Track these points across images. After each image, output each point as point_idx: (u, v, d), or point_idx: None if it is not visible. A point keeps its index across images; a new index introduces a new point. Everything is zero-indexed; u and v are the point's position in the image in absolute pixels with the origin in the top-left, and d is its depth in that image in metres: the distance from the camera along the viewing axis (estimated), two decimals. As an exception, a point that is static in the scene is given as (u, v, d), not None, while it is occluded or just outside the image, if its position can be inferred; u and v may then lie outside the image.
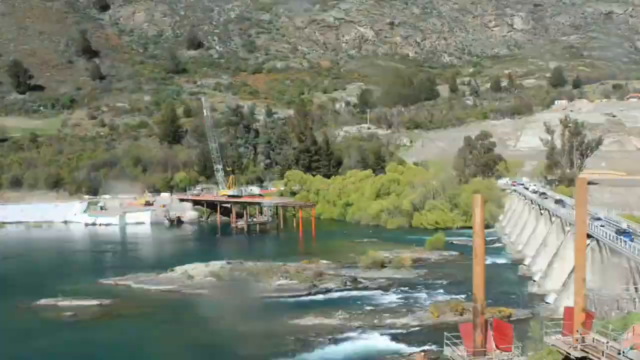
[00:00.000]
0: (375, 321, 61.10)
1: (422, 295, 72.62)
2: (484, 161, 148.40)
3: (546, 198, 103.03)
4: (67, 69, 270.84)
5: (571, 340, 27.81)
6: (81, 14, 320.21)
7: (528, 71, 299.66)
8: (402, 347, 54.29)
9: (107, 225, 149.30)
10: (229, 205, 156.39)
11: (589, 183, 34.88)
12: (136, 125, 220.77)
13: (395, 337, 56.70)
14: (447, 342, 30.53)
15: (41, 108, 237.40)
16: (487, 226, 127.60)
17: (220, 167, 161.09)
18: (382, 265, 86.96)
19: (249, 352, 54.96)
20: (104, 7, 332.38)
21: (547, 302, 64.72)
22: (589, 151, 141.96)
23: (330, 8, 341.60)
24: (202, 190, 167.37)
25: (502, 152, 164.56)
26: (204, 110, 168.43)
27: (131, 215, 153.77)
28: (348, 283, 79.20)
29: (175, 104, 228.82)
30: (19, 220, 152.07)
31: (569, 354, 27.18)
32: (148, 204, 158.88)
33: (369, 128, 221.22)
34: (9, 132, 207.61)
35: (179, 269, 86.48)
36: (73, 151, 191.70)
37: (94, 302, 73.27)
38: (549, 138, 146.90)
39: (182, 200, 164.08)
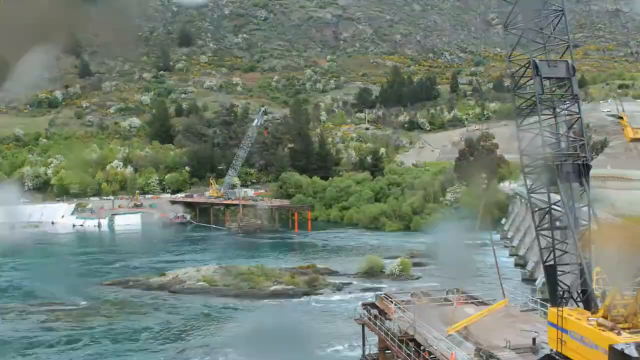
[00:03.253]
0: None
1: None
2: (486, 163, 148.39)
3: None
4: (54, 66, 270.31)
5: None
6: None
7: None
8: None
9: (96, 227, 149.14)
10: (222, 208, 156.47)
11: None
12: (126, 124, 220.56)
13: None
14: None
15: (27, 106, 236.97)
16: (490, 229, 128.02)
17: (234, 173, 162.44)
18: (380, 270, 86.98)
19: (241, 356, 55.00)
20: (93, 2, 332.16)
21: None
22: (594, 153, 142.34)
23: (328, 5, 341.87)
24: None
25: (505, 154, 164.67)
26: (257, 120, 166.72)
27: (120, 217, 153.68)
28: (344, 288, 79.25)
29: (167, 103, 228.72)
30: (3, 222, 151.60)
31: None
32: (137, 205, 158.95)
33: (367, 128, 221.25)
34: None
35: (170, 273, 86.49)
36: (60, 151, 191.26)
37: (80, 306, 73.31)
38: (553, 140, 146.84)
39: (173, 202, 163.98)
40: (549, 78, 28.10)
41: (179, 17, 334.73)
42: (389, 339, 36.44)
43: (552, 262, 27.42)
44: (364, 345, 43.42)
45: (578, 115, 27.99)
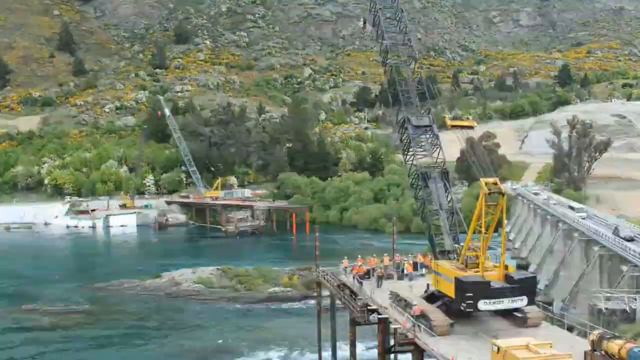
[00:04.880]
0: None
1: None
2: (488, 163, 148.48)
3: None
4: (48, 64, 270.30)
5: None
6: (64, 5, 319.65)
7: (534, 69, 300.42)
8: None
9: (90, 228, 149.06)
10: (218, 209, 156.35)
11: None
12: (121, 123, 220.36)
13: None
14: None
15: (20, 105, 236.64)
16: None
17: (194, 169, 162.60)
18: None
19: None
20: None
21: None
22: (597, 153, 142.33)
23: (327, 1, 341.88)
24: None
25: (507, 154, 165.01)
26: (165, 110, 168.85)
27: (115, 217, 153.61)
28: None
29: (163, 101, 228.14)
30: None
31: None
32: (125, 206, 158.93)
33: (366, 128, 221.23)
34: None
35: (166, 275, 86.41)
36: (54, 150, 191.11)
37: (74, 309, 73.26)
38: (556, 139, 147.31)
39: (168, 202, 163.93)
40: (419, 126, 44.61)
41: (175, 13, 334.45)
42: (335, 291, 50.46)
43: (431, 234, 42.15)
44: (319, 297, 56.68)
45: (439, 146, 43.53)
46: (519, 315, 36.35)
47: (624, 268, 54.71)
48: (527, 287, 36.54)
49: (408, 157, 44.24)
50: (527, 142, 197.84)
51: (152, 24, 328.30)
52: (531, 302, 36.62)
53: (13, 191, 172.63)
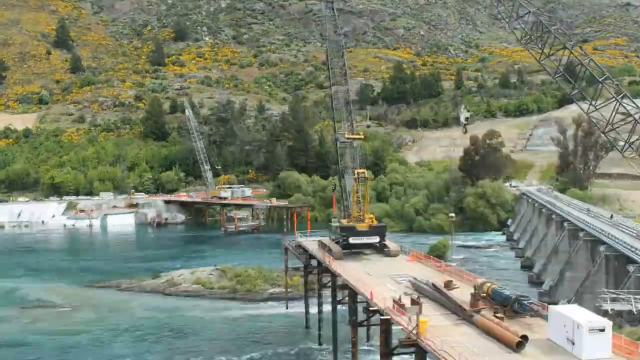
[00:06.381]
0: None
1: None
2: (492, 162, 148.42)
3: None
4: (44, 61, 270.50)
5: None
6: (60, 0, 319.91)
7: (539, 66, 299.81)
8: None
9: (88, 227, 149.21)
10: (218, 208, 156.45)
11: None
12: (119, 121, 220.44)
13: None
14: None
15: (17, 102, 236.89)
16: (495, 230, 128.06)
17: (208, 167, 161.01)
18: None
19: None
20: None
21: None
22: (603, 152, 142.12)
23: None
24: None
25: (511, 152, 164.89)
26: (186, 111, 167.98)
27: (113, 217, 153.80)
28: (345, 290, 79.00)
29: (161, 99, 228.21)
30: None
31: None
32: (132, 205, 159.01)
33: (368, 126, 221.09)
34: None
35: (164, 275, 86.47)
36: (51, 148, 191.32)
37: (72, 309, 73.33)
38: (561, 138, 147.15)
39: (167, 201, 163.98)
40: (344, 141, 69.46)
41: (174, 10, 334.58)
42: (294, 250, 69.00)
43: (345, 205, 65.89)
44: (286, 262, 72.91)
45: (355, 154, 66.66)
46: (385, 249, 58.74)
47: (631, 268, 54.61)
48: (379, 231, 59.63)
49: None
50: (532, 141, 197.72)
51: (150, 20, 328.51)
52: (382, 240, 59.03)
53: (9, 189, 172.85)
